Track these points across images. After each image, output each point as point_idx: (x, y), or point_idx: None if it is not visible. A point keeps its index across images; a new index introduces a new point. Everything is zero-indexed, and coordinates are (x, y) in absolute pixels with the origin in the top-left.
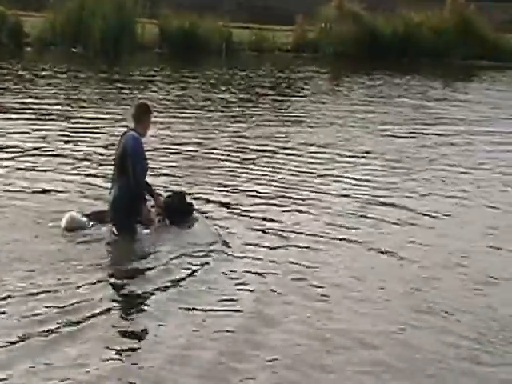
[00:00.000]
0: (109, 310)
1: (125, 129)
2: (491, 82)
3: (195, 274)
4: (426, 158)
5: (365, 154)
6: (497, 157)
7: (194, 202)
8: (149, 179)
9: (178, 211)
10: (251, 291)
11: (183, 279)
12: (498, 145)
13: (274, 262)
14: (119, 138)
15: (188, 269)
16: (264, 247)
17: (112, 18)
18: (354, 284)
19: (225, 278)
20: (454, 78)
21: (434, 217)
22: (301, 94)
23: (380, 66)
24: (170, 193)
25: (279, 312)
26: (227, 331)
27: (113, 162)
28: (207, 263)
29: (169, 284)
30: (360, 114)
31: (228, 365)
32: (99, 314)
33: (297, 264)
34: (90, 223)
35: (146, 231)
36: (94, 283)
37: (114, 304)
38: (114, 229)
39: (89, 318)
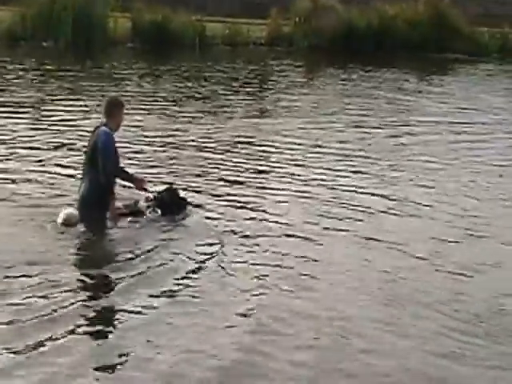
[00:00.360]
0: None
1: (97, 123)
2: (465, 75)
3: (180, 272)
4: (399, 149)
5: (340, 145)
6: (470, 147)
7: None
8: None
9: (171, 206)
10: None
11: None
12: (471, 135)
13: (259, 252)
14: (91, 133)
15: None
16: (248, 237)
17: (83, 12)
18: (339, 273)
19: (214, 273)
20: (429, 71)
21: (409, 205)
22: (275, 87)
23: (355, 59)
24: (159, 188)
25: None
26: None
27: (83, 158)
28: (197, 260)
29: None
30: (335, 107)
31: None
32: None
33: (285, 254)
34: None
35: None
36: (62, 289)
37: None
38: (84, 225)
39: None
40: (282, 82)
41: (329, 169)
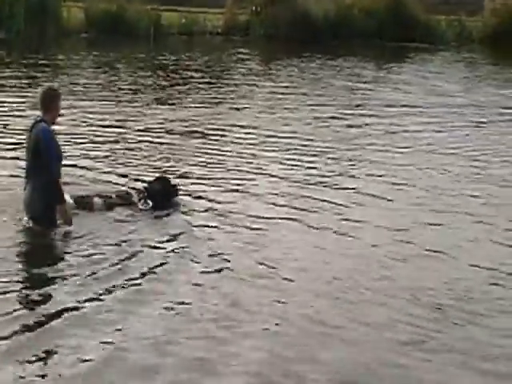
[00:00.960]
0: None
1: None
2: (423, 63)
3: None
4: (357, 137)
5: (298, 134)
6: (427, 135)
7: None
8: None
9: (162, 196)
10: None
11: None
12: (427, 125)
13: (220, 241)
14: (29, 129)
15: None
16: (207, 227)
17: (36, 2)
18: (300, 262)
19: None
20: (386, 60)
21: (367, 194)
22: (232, 77)
23: (312, 49)
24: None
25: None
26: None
27: (25, 157)
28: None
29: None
30: (292, 96)
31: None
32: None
33: (248, 243)
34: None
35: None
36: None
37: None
38: (31, 224)
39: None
40: (239, 72)
41: (285, 158)
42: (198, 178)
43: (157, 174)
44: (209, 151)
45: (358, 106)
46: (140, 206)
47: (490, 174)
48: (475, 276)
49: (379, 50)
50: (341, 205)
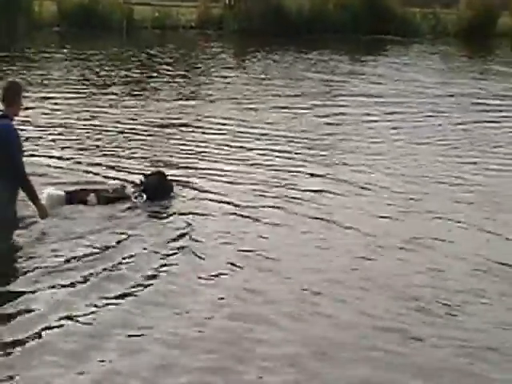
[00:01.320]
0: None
1: None
2: (398, 57)
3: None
4: (332, 131)
5: (273, 127)
6: (402, 127)
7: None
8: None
9: (156, 191)
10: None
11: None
12: (402, 115)
13: (196, 234)
14: None
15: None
16: (193, 214)
17: None
18: (286, 251)
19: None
20: (362, 53)
21: (343, 184)
22: (205, 71)
23: (286, 42)
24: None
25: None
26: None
27: None
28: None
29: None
30: (265, 89)
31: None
32: None
33: (230, 233)
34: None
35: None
36: None
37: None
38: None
39: None
40: (213, 66)
41: (260, 148)
42: (178, 168)
43: (136, 165)
44: (184, 142)
45: (332, 97)
46: (134, 200)
47: (466, 163)
48: (455, 265)
49: (354, 43)
50: (319, 192)
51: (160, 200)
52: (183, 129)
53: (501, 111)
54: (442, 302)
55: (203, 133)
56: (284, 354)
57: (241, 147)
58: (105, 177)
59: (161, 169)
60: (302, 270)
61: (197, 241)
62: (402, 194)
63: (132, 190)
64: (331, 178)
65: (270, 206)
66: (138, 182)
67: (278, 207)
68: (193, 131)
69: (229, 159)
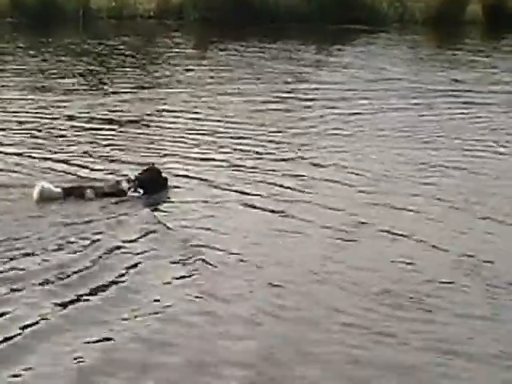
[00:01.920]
0: None
1: None
2: (364, 46)
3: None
4: (296, 122)
5: (233, 120)
6: (369, 118)
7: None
8: None
9: (151, 186)
10: None
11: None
12: (369, 107)
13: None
14: None
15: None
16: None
17: None
18: (264, 249)
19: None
20: (327, 42)
21: (308, 178)
22: (165, 62)
23: (249, 32)
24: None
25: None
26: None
27: None
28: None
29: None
30: (228, 81)
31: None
32: None
33: (199, 228)
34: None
35: None
36: None
37: None
38: None
39: None
40: (173, 57)
41: (224, 143)
42: (124, 162)
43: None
44: (143, 136)
45: (296, 89)
46: (130, 194)
47: (435, 156)
48: (425, 258)
49: (320, 32)
50: (281, 186)
51: (155, 194)
52: (142, 123)
53: (471, 102)
54: (412, 295)
55: (162, 127)
56: (249, 348)
57: (202, 141)
58: (54, 170)
59: (154, 165)
60: (268, 265)
61: (166, 235)
62: (368, 188)
63: (127, 185)
64: (295, 172)
65: (235, 201)
66: (132, 177)
67: (245, 203)
68: (152, 125)
69: (190, 154)
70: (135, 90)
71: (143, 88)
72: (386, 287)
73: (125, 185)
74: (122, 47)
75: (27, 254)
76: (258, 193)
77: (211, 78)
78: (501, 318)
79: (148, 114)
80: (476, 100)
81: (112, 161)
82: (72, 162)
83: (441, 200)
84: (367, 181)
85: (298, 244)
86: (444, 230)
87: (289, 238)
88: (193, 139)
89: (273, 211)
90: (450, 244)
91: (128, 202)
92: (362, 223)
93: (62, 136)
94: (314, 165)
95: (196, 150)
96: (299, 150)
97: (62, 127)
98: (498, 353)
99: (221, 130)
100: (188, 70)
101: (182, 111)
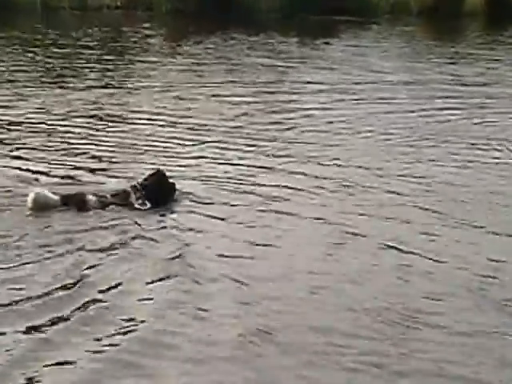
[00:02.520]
0: None
1: None
2: (353, 39)
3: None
4: (277, 121)
5: (208, 116)
6: (355, 117)
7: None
8: None
9: (159, 194)
10: None
11: None
12: (355, 105)
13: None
14: None
15: None
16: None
17: None
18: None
19: None
20: (312, 36)
21: (289, 175)
22: (134, 57)
23: (226, 24)
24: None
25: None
26: None
27: None
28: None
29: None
30: (203, 77)
31: None
32: None
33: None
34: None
35: None
36: None
37: None
38: None
39: None
40: (142, 51)
41: (197, 142)
42: (84, 159)
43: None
44: (109, 135)
45: (278, 87)
46: (137, 206)
47: (431, 160)
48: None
49: (303, 24)
50: (260, 185)
51: (163, 204)
52: (108, 120)
53: (471, 100)
54: (403, 312)
55: (131, 123)
56: (235, 372)
57: (174, 140)
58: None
59: (160, 168)
60: (254, 281)
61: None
62: (357, 194)
63: (134, 196)
64: (275, 180)
65: (222, 203)
66: (136, 185)
67: (230, 203)
68: (119, 123)
69: (160, 153)
70: (100, 87)
71: (109, 84)
72: (379, 304)
73: (132, 195)
74: (86, 40)
75: None
76: (239, 203)
77: (184, 73)
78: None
79: (115, 113)
80: (477, 98)
81: (69, 160)
82: (27, 158)
83: (436, 210)
84: (354, 187)
85: (282, 256)
86: (439, 242)
87: (273, 242)
88: (162, 140)
89: (256, 211)
90: (444, 256)
91: (132, 215)
92: (353, 233)
93: (17, 131)
94: (293, 173)
95: (166, 149)
96: (273, 155)
97: (18, 123)
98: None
99: (193, 130)
100: (159, 65)
101: (151, 109)
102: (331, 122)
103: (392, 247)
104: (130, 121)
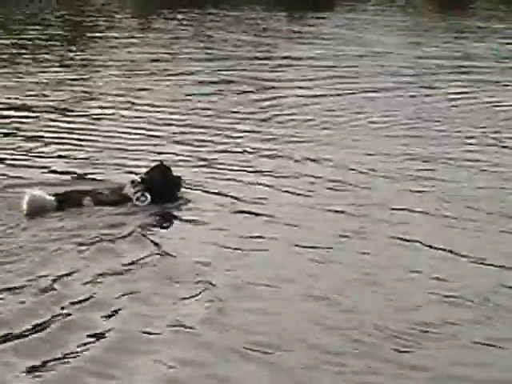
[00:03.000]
0: None
1: None
2: (350, 13)
3: None
4: (260, 108)
5: (183, 105)
6: (354, 103)
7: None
8: None
9: (162, 189)
10: None
11: None
12: (357, 86)
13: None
14: None
15: None
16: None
17: None
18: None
19: None
20: (302, 9)
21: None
22: (97, 36)
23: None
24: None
25: None
26: None
27: None
28: None
29: None
30: (176, 56)
31: None
32: None
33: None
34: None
35: None
36: None
37: None
38: None
39: None
40: (109, 28)
41: (172, 124)
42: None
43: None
44: (71, 121)
45: (263, 66)
46: (136, 202)
47: (438, 149)
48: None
49: None
50: (238, 171)
51: (166, 199)
52: (65, 109)
53: (483, 80)
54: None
55: (90, 115)
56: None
57: (146, 126)
58: None
59: (162, 161)
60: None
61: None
62: (355, 188)
63: (132, 190)
64: (262, 169)
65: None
66: (137, 179)
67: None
68: (78, 112)
69: (128, 140)
70: (59, 70)
71: (68, 67)
72: (382, 323)
73: (130, 190)
74: (43, 17)
75: None
76: (211, 208)
77: (156, 54)
78: None
79: (74, 99)
80: (489, 77)
81: (23, 155)
82: None
83: (444, 202)
84: (350, 181)
85: (270, 259)
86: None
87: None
88: (127, 131)
89: (227, 206)
90: (441, 274)
91: (131, 212)
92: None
93: None
94: (279, 148)
95: (131, 143)
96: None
97: None
98: None
99: (167, 118)
100: (127, 45)
101: (117, 95)
102: (325, 110)
103: (398, 244)
104: (89, 111)
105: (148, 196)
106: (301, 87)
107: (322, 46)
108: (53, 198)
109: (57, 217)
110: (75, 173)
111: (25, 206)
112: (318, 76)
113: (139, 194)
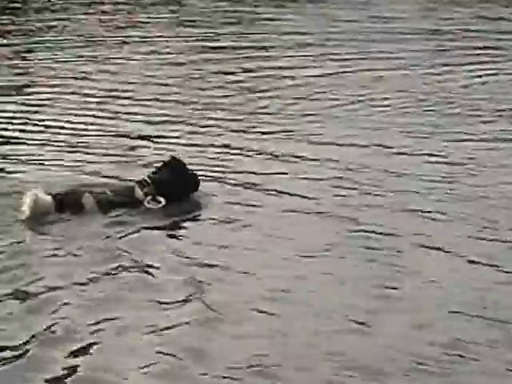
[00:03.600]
0: None
1: None
2: None
3: None
4: (246, 93)
5: (152, 91)
6: (356, 81)
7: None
8: None
9: (176, 188)
10: None
11: None
12: (360, 62)
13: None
14: None
15: None
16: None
17: None
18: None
19: None
20: None
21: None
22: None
23: None
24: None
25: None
26: None
27: None
28: None
29: None
30: (137, 28)
31: None
32: None
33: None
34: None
35: None
36: None
37: None
38: None
39: None
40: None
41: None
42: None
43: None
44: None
45: (249, 39)
46: (147, 205)
47: (452, 139)
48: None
49: None
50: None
51: (181, 199)
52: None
53: (505, 53)
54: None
55: (53, 85)
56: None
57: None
58: None
59: (176, 156)
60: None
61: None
62: (355, 184)
63: (141, 191)
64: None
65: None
66: (146, 178)
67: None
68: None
69: (99, 131)
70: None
71: (16, 36)
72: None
73: (139, 192)
74: None
75: None
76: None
77: (116, 24)
78: None
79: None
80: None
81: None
82: None
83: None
84: (348, 177)
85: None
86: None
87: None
88: (83, 113)
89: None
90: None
91: (140, 216)
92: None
93: None
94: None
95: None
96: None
97: None
98: None
99: (128, 101)
100: (80, 20)
101: (73, 73)
102: (324, 91)
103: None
104: (52, 82)
105: (162, 200)
106: (291, 62)
107: (320, 13)
108: (49, 198)
109: (54, 220)
110: (80, 172)
111: (27, 209)
112: (318, 50)
113: (149, 197)
